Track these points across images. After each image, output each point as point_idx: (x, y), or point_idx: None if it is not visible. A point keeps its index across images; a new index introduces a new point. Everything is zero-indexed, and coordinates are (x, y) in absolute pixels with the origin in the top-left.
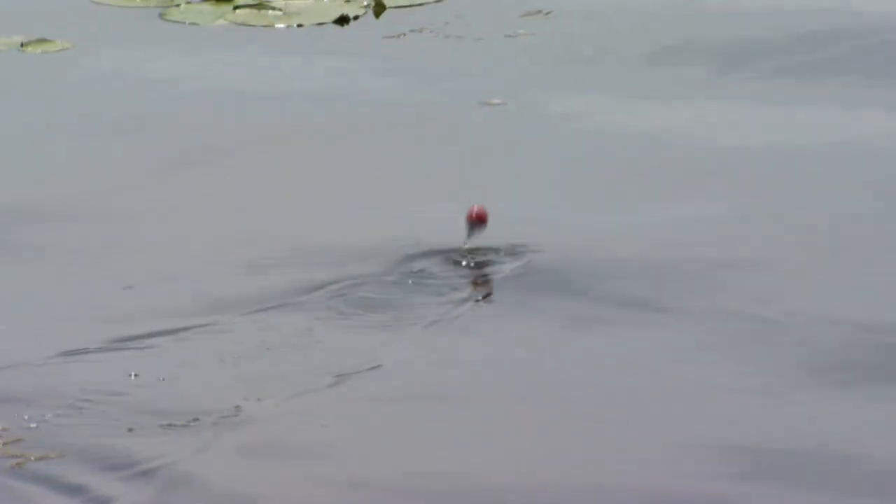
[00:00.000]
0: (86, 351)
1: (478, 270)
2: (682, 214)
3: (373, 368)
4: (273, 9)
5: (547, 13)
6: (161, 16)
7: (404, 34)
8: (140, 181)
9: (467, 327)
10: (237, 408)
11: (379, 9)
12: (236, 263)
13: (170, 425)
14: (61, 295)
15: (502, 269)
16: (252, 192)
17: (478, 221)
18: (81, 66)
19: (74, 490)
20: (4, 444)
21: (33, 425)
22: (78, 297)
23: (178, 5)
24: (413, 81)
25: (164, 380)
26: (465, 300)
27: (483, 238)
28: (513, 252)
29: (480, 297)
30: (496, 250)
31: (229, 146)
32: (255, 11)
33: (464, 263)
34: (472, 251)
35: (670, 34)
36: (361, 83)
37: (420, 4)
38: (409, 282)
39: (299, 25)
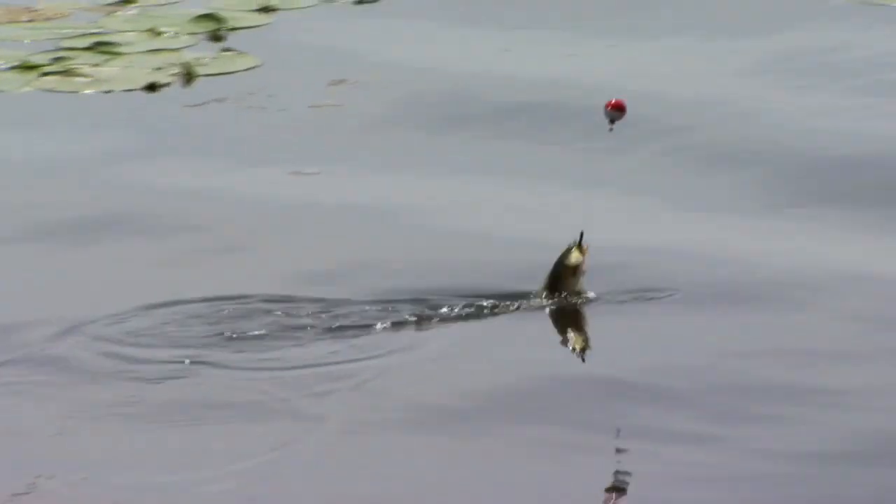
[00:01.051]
0: None
1: None
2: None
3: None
4: (82, 75)
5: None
6: None
7: (207, 103)
8: None
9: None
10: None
11: (188, 77)
12: None
13: None
14: None
15: None
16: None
17: (616, 109)
18: None
19: None
20: None
21: None
22: None
23: None
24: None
25: None
26: None
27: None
28: None
29: None
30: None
31: None
32: (62, 78)
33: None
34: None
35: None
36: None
37: (230, 73)
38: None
39: (107, 92)
